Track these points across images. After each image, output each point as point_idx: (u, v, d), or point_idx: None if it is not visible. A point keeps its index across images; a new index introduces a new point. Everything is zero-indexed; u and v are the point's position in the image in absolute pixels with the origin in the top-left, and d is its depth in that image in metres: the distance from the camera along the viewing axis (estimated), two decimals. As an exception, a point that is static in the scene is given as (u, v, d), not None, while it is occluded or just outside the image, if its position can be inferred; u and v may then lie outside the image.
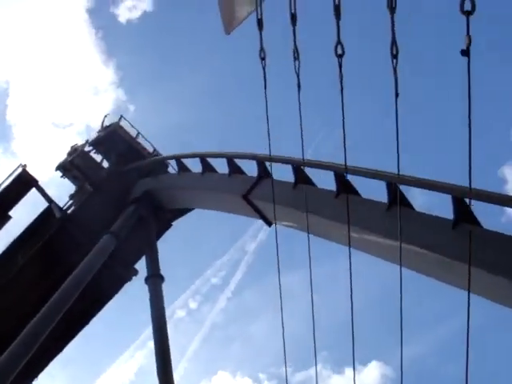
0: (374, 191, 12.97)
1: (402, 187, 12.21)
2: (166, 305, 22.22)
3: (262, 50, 6.32)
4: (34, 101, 64.02)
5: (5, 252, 23.69)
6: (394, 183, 12.13)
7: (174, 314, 42.05)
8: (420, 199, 13.95)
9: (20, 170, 24.67)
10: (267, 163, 16.27)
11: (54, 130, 68.10)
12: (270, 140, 7.86)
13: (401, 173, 11.96)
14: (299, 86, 6.63)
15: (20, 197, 24.73)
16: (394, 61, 5.45)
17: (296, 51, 6.07)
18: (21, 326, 18.09)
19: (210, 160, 19.49)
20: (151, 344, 21.34)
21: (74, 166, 25.62)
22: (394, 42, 5.43)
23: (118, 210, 22.52)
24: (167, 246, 24.46)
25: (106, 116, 26.94)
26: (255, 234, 39.71)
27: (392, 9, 5.25)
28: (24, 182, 24.57)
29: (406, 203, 12.18)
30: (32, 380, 23.29)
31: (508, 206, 9.95)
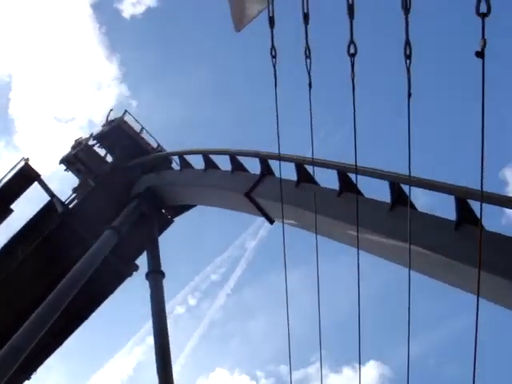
0: (374, 190, 12.96)
1: (406, 188, 12.22)
2: (165, 301, 22.29)
3: (272, 47, 6.31)
4: (36, 95, 64.14)
5: (5, 246, 23.70)
6: (397, 183, 12.14)
7: (174, 310, 42.12)
8: (423, 199, 13.95)
9: (22, 163, 24.68)
10: (274, 162, 16.26)
11: (56, 124, 68.22)
12: (279, 139, 7.83)
13: (404, 173, 11.98)
14: (310, 85, 6.61)
15: (22, 190, 24.74)
16: (408, 61, 5.44)
17: (308, 49, 6.06)
18: (21, 320, 18.11)
19: (212, 157, 19.47)
20: (150, 340, 21.40)
21: (77, 159, 25.61)
22: (407, 43, 5.42)
23: (120, 206, 22.51)
24: (167, 242, 24.48)
25: (111, 110, 26.96)
26: (256, 231, 39.74)
27: (407, 9, 5.25)
28: (26, 176, 24.59)
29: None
30: (31, 373, 23.33)
31: (495, 204, 9.95)
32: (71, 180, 26.57)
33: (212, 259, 44.07)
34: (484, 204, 10.55)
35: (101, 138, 25.76)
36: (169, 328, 21.61)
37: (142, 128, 25.58)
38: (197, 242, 45.98)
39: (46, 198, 24.29)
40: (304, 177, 14.83)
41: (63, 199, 24.47)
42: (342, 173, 13.50)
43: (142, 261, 23.56)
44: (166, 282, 22.49)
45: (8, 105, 64.60)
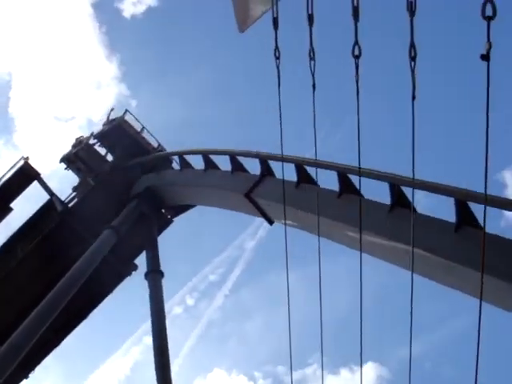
0: (373, 191, 12.98)
1: (405, 189, 12.24)
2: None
3: (276, 48, 6.32)
4: (36, 94, 64.09)
5: (5, 244, 23.69)
6: (397, 185, 12.16)
7: (172, 310, 42.06)
8: (422, 201, 13.98)
9: (22, 162, 24.67)
10: (273, 163, 16.28)
11: (55, 123, 68.13)
12: (282, 140, 7.84)
13: (404, 175, 12.01)
14: (314, 87, 6.63)
15: (21, 189, 24.73)
16: (412, 63, 5.45)
17: (312, 51, 6.07)
18: (20, 319, 18.12)
19: (212, 157, 19.48)
20: (147, 340, 21.43)
21: (78, 158, 25.61)
22: (412, 45, 5.43)
23: (119, 205, 22.52)
24: (166, 241, 24.49)
25: (112, 109, 26.94)
26: (254, 231, 39.72)
27: (412, 12, 5.26)
28: (26, 175, 24.57)
29: (408, 205, 12.20)
30: (29, 372, 23.33)
31: (499, 208, 9.96)
32: (71, 179, 26.59)
33: (210, 259, 44.06)
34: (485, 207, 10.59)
35: (101, 136, 25.75)
36: (167, 328, 21.66)
37: (143, 127, 25.59)
38: (195, 242, 45.95)
39: (46, 197, 24.32)
40: (304, 178, 14.85)
41: (63, 198, 24.47)
42: (342, 174, 13.51)
43: (141, 261, 23.62)
44: (164, 282, 22.54)
45: (8, 103, 64.41)
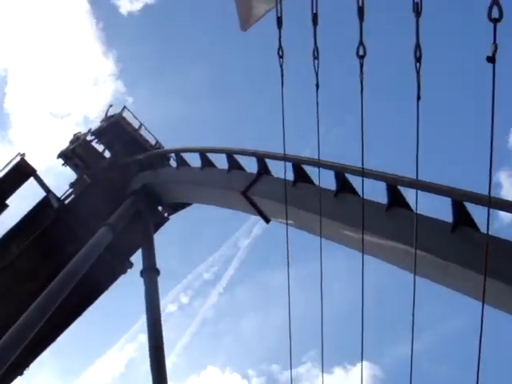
0: (368, 190, 12.97)
1: (401, 189, 12.27)
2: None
3: (280, 47, 6.32)
4: (32, 90, 63.78)
5: (0, 241, 23.63)
6: (394, 185, 12.19)
7: (166, 308, 42.05)
8: (419, 201, 13.95)
9: (18, 158, 24.61)
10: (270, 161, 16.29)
11: (51, 119, 67.96)
12: (284, 139, 7.84)
13: (401, 175, 12.04)
14: (317, 86, 6.63)
15: (17, 186, 24.67)
16: (418, 64, 5.46)
17: (316, 50, 6.08)
18: (16, 316, 18.09)
19: (209, 155, 19.48)
20: (141, 337, 21.45)
21: (75, 154, 25.54)
22: (417, 46, 5.45)
23: (115, 203, 22.49)
24: (160, 239, 24.48)
25: (110, 106, 26.88)
26: (249, 230, 39.75)
27: (418, 13, 5.27)
28: (22, 171, 24.50)
29: (404, 205, 12.24)
30: (24, 369, 23.33)
31: (503, 210, 9.97)
32: (67, 175, 26.52)
33: (205, 258, 44.01)
34: (480, 207, 10.63)
35: (99, 133, 25.70)
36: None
37: (141, 124, 25.56)
38: (189, 240, 45.98)
39: (42, 194, 24.28)
40: (301, 176, 14.87)
41: (58, 194, 24.43)
42: (340, 173, 13.54)
43: (136, 258, 23.62)
44: (159, 280, 22.54)
45: (3, 99, 64.24)
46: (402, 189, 12.28)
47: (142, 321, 21.72)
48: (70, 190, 24.85)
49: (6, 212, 25.00)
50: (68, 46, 62.13)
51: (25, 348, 17.49)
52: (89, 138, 25.89)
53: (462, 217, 10.77)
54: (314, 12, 5.80)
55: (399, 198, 12.23)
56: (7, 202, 24.85)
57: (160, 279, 22.53)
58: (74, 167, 26.05)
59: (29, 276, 22.34)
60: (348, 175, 13.52)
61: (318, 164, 12.78)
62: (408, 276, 11.88)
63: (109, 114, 26.26)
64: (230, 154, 18.06)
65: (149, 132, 25.66)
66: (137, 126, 25.49)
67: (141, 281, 22.50)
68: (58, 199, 24.00)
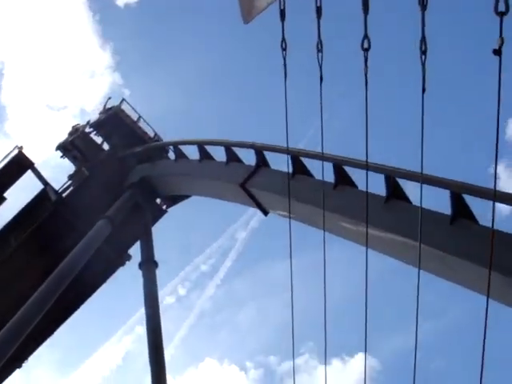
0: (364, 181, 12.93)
1: (400, 181, 12.26)
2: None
3: (283, 40, 6.32)
4: (29, 82, 63.67)
5: (-2, 233, 23.62)
6: (393, 177, 12.18)
7: (163, 300, 42.05)
8: (417, 193, 13.94)
9: (16, 151, 24.55)
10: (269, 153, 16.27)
11: (48, 112, 67.70)
12: (287, 133, 7.83)
13: (399, 167, 12.04)
14: (321, 79, 6.62)
15: (15, 179, 24.62)
16: (423, 57, 5.46)
17: (320, 43, 6.06)
18: (14, 309, 18.09)
19: (207, 147, 19.45)
20: (139, 329, 21.47)
21: (74, 146, 25.48)
22: (423, 39, 5.44)
23: (114, 195, 22.47)
24: (157, 231, 24.47)
25: (109, 98, 26.81)
26: (246, 222, 39.75)
27: (423, 6, 5.26)
28: (20, 164, 24.45)
29: (403, 197, 12.24)
30: (22, 362, 23.34)
31: (507, 204, 9.96)
32: (65, 167, 26.49)
33: (202, 249, 44.00)
34: (478, 199, 10.63)
35: (97, 125, 25.63)
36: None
37: (140, 117, 25.50)
38: (187, 232, 45.94)
39: (40, 186, 24.24)
40: (299, 169, 14.85)
41: (56, 186, 24.39)
42: (338, 166, 13.53)
43: (134, 251, 23.62)
44: (157, 272, 22.56)
45: (0, 92, 64.15)
46: (400, 181, 12.29)
47: (140, 313, 21.85)
48: (68, 183, 24.81)
49: (3, 205, 24.97)
50: (65, 38, 61.99)
51: (23, 341, 17.50)
52: (87, 129, 25.83)
53: (460, 209, 10.78)
54: (318, 5, 5.78)
55: (398, 191, 12.23)
56: (5, 194, 24.80)
57: (158, 271, 22.58)
58: (73, 159, 25.99)
59: (27, 269, 22.31)
60: (346, 167, 13.52)
61: (321, 157, 12.76)
62: (402, 267, 11.90)
63: (107, 106, 26.21)
64: (228, 147, 18.04)
65: (147, 124, 25.63)
66: (135, 119, 25.44)
67: (139, 273, 22.54)
68: (56, 192, 23.96)
